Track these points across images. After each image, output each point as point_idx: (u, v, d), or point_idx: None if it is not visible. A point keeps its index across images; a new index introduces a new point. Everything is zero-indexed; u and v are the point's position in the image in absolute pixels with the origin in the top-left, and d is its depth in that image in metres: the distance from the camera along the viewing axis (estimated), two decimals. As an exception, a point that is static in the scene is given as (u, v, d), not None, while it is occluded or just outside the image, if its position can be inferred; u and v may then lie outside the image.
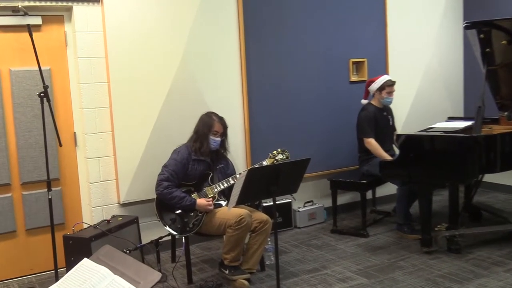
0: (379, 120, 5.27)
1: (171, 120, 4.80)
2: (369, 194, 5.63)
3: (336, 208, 5.37)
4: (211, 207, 4.12)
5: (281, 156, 4.34)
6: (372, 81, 5.35)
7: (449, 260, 4.39)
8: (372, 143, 5.16)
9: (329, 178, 5.41)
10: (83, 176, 4.69)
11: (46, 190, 3.83)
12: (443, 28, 6.47)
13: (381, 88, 5.27)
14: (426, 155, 4.46)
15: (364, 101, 5.42)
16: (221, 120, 4.31)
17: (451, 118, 5.76)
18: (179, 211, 4.12)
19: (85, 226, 4.23)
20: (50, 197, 3.81)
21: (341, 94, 5.77)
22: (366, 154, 5.27)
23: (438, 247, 4.59)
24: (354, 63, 5.86)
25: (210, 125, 4.25)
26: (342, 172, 5.64)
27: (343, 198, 5.90)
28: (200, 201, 4.10)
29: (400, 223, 5.11)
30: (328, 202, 5.57)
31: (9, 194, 4.43)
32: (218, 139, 4.28)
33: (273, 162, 4.29)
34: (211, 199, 4.16)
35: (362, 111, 5.32)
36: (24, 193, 4.47)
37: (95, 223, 4.24)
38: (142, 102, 4.69)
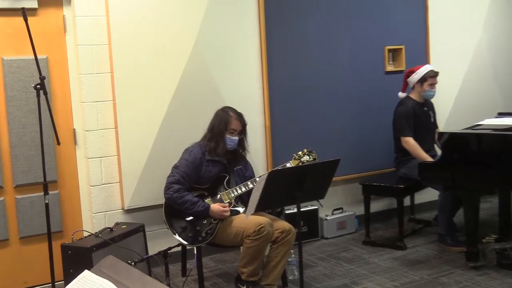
0: (419, 116, 5.24)
1: (182, 116, 4.83)
2: (407, 201, 5.61)
3: (369, 216, 5.36)
4: (227, 213, 4.13)
5: (308, 157, 4.33)
6: (412, 72, 5.32)
7: (499, 277, 4.35)
8: (410, 142, 5.13)
9: (361, 182, 5.40)
10: (83, 179, 4.74)
11: (42, 193, 3.86)
12: (493, 10, 6.40)
13: (422, 80, 5.24)
14: (472, 156, 4.42)
15: (401, 95, 5.39)
16: (240, 116, 4.31)
17: (501, 114, 5.70)
18: (190, 218, 4.14)
19: (86, 234, 4.26)
20: (46, 201, 3.85)
21: (375, 87, 5.74)
22: (403, 155, 5.25)
23: (486, 261, 4.55)
24: (390, 50, 5.84)
25: (226, 122, 4.26)
26: (376, 175, 5.62)
27: (377, 205, 5.87)
28: (215, 207, 4.12)
29: (442, 234, 5.08)
30: (360, 210, 5.56)
31: (1, 198, 4.48)
32: (236, 138, 4.29)
33: (298, 164, 4.28)
34: (227, 204, 4.18)
35: (400, 106, 5.29)
36: (17, 197, 4.52)
37: (97, 231, 4.27)
38: (149, 96, 4.72)
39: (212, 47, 4.94)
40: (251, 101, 5.15)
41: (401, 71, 5.68)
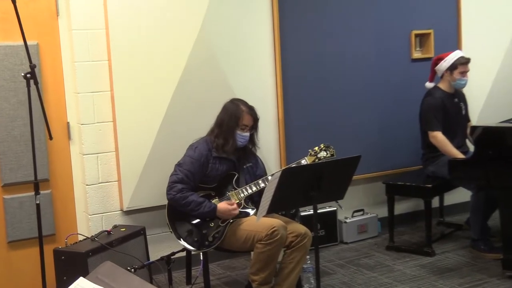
0: (448, 109, 5.22)
1: (187, 108, 4.82)
2: (435, 202, 5.59)
3: (393, 219, 5.35)
4: (236, 211, 4.13)
5: (325, 153, 4.33)
6: (440, 59, 5.29)
7: (538, 287, 4.34)
8: (439, 137, 5.11)
9: (385, 181, 5.40)
10: (78, 177, 4.75)
11: (33, 193, 3.87)
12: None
13: (452, 67, 5.21)
14: (509, 152, 4.39)
15: (429, 84, 5.37)
16: (251, 110, 4.29)
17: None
18: (196, 221, 4.14)
19: (81, 238, 4.28)
20: (38, 202, 3.86)
21: (400, 76, 5.73)
22: (431, 151, 5.23)
23: (524, 270, 4.54)
24: (417, 35, 5.81)
25: (237, 117, 4.25)
26: (401, 174, 5.61)
27: (402, 207, 5.86)
28: (222, 206, 4.12)
29: (475, 239, 5.06)
30: (383, 211, 5.55)
31: (-12, 198, 4.51)
32: (247, 134, 4.29)
33: (314, 161, 4.28)
34: (234, 201, 4.18)
35: (427, 97, 5.28)
36: (5, 197, 4.53)
37: (93, 234, 4.28)
38: (150, 86, 4.72)
39: (219, 34, 4.93)
40: (263, 92, 5.14)
41: (429, 59, 5.65)
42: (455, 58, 5.21)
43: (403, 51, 5.76)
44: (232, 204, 4.14)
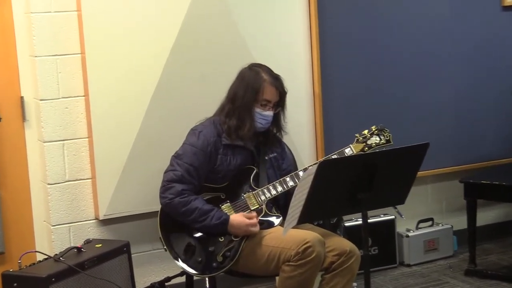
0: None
1: (188, 76, 4.82)
2: (534, 209, 5.58)
3: (475, 233, 5.34)
4: (256, 229, 4.12)
5: (377, 138, 4.31)
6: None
7: None
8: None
9: (463, 179, 5.38)
10: (36, 173, 4.78)
11: (-26, 195, 3.92)
12: None
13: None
14: None
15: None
16: (277, 80, 4.28)
17: None
18: (200, 234, 4.14)
19: (40, 257, 4.29)
20: (-19, 207, 3.90)
21: (485, 32, 5.73)
22: (529, 138, 5.22)
23: None
24: (511, -27, 5.81)
25: (257, 89, 4.23)
26: (485, 170, 5.63)
27: (488, 215, 5.90)
28: (236, 218, 4.11)
29: None
30: (460, 222, 5.58)
31: None
32: (270, 113, 4.28)
33: (363, 150, 4.26)
34: (255, 213, 4.17)
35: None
36: None
37: (57, 252, 4.30)
38: (137, 47, 4.71)
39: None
40: (292, 56, 5.15)
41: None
42: None
43: (490, -4, 5.75)
44: (251, 218, 4.12)
